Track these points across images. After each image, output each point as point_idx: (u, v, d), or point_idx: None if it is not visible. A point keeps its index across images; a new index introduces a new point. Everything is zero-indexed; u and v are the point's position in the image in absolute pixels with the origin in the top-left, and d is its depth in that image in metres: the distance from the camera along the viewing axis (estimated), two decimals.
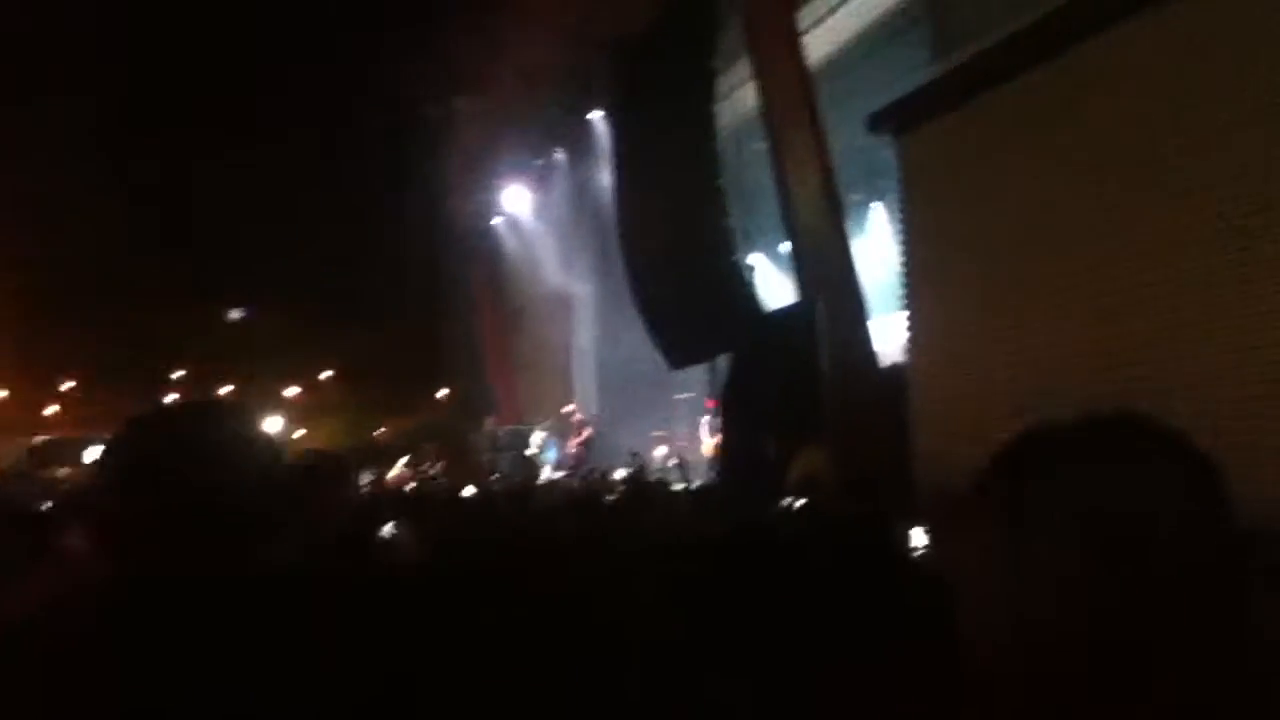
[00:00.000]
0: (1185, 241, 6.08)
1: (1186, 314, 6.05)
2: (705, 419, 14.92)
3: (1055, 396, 6.69)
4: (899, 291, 9.15)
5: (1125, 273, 6.48)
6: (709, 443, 14.99)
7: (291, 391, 39.39)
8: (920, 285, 8.66)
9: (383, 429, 33.83)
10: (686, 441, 14.97)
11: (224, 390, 40.32)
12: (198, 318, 38.89)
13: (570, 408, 16.51)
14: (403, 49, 23.05)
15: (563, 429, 18.39)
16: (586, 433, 16.38)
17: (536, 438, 18.29)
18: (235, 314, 41.85)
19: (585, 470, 14.95)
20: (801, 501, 4.67)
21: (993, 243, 7.66)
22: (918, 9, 10.18)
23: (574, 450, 16.46)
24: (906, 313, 8.83)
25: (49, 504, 3.96)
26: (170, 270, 34.76)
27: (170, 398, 38.84)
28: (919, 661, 1.16)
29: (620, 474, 12.29)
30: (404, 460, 23.37)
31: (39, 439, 24.18)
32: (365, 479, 12.08)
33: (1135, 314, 6.38)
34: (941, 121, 8.39)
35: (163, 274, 34.71)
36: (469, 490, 9.37)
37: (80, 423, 31.59)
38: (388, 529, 2.84)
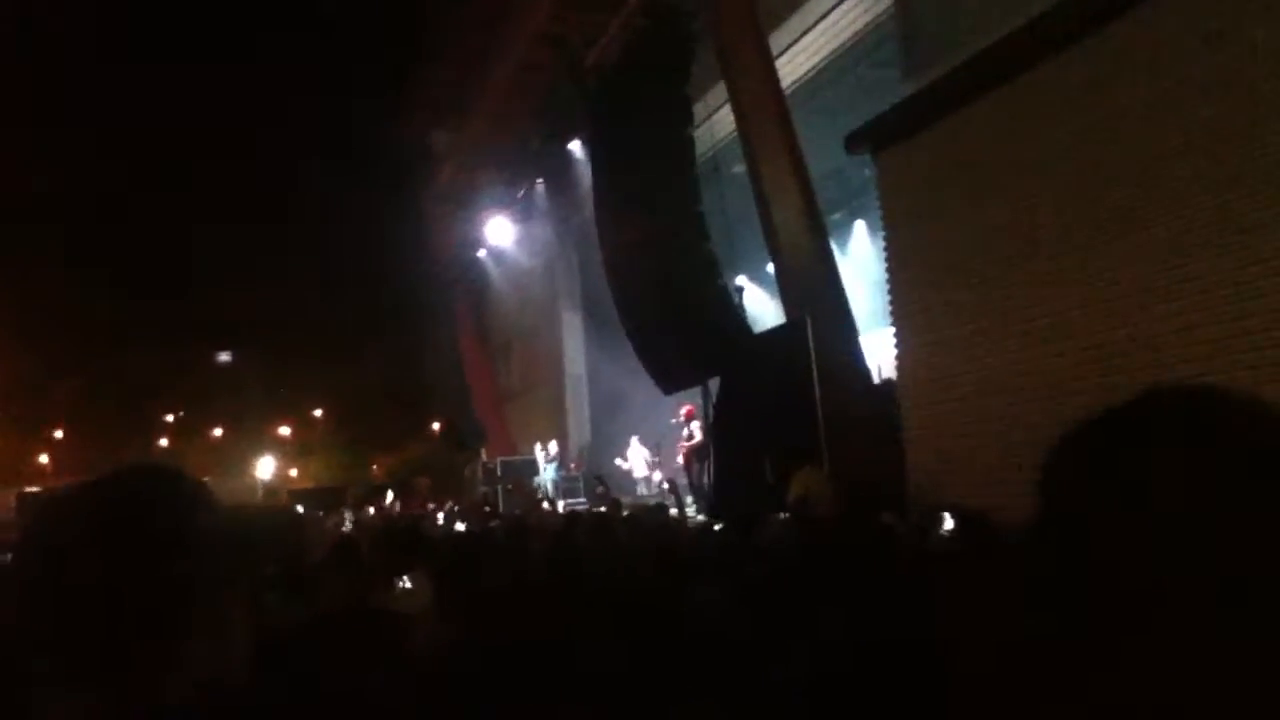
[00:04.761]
0: (1182, 247, 6.05)
1: (1185, 319, 6.06)
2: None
3: (1052, 406, 6.77)
4: (885, 307, 9.17)
5: (1121, 279, 6.48)
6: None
7: (283, 431, 39.29)
8: (905, 300, 8.69)
9: (375, 465, 33.74)
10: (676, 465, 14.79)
11: (214, 432, 40.26)
12: (185, 361, 38.89)
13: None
14: (379, 84, 23.22)
15: (564, 456, 18.32)
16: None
17: (543, 465, 17.95)
18: (223, 356, 41.88)
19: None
20: (791, 516, 4.76)
21: (975, 256, 7.73)
22: (886, 29, 10.31)
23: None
24: (893, 328, 8.85)
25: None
26: (155, 315, 34.82)
27: (161, 442, 38.82)
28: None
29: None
30: (389, 496, 23.36)
31: (28, 490, 24.10)
32: (346, 517, 12.01)
33: (1137, 318, 6.37)
34: (917, 139, 8.48)
35: (147, 319, 34.75)
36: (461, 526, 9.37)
37: (71, 470, 31.54)
38: (405, 581, 2.86)
